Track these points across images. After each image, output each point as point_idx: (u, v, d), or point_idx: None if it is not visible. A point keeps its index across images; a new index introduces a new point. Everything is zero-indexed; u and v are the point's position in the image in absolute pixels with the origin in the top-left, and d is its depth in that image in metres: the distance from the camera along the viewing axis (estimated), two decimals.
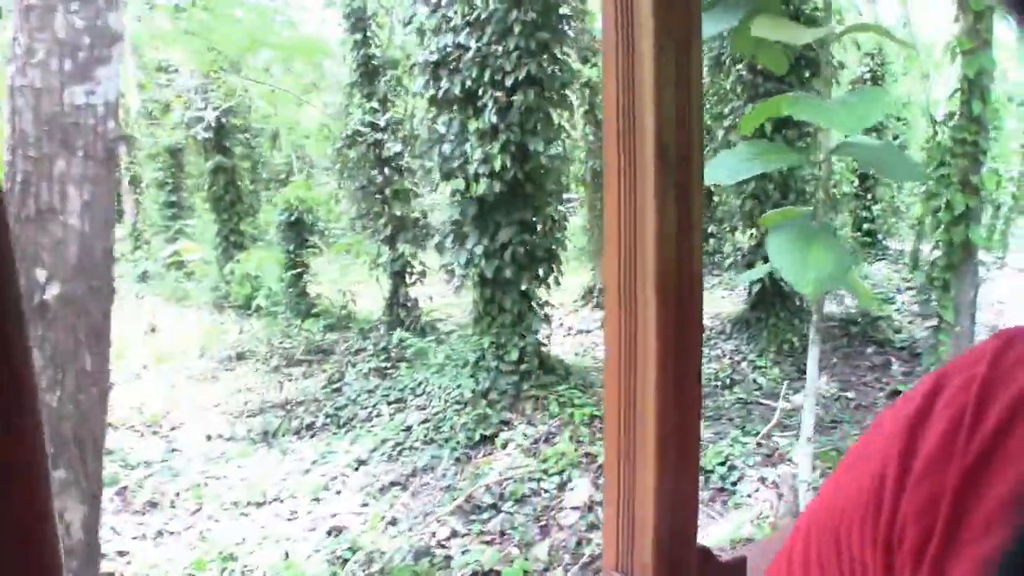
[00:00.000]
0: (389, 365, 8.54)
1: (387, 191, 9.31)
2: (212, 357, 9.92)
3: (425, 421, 6.90)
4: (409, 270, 9.47)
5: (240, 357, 9.80)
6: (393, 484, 6.10)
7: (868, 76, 12.38)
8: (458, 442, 6.44)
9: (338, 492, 6.14)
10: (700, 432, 0.81)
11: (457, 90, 6.79)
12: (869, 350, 8.27)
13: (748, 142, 3.86)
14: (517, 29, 6.46)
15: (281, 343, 9.93)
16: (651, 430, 0.81)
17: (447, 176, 7.04)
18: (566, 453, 6.05)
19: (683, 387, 0.79)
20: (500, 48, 6.55)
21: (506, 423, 6.65)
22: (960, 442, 0.40)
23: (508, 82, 6.57)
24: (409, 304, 9.61)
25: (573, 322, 10.36)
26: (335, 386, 8.36)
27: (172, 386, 8.86)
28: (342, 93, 10.90)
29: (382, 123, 9.20)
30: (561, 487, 5.75)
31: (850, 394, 7.21)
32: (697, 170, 0.76)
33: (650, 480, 0.82)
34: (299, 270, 10.56)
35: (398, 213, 9.34)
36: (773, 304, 8.32)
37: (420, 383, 7.67)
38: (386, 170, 9.32)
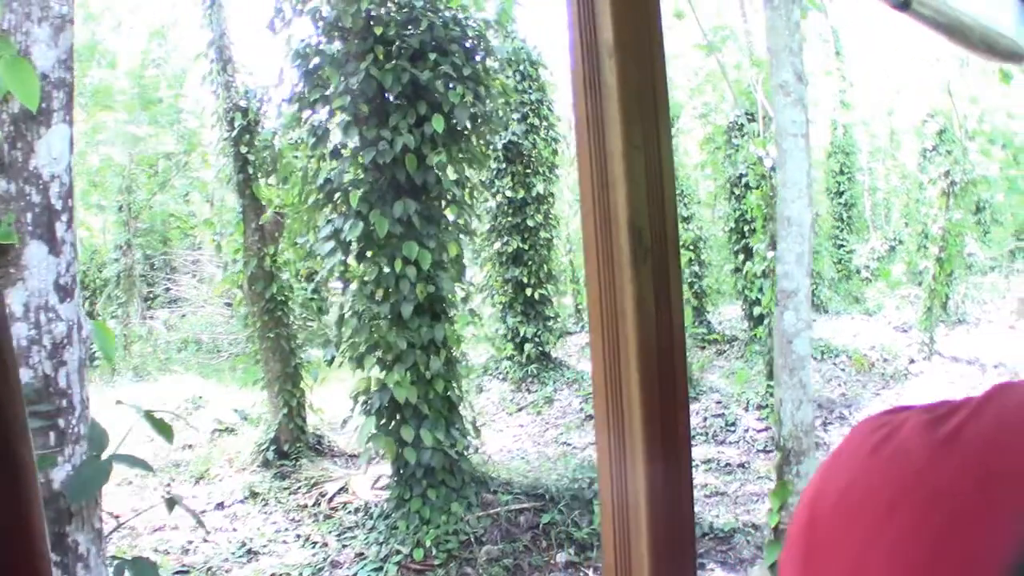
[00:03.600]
0: None
1: None
2: None
3: None
4: None
5: None
6: None
7: None
8: None
9: None
10: (693, 507, 0.80)
11: None
12: None
13: None
14: None
15: None
16: (643, 521, 0.77)
17: None
18: None
19: (672, 463, 0.78)
20: None
21: None
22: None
23: None
24: None
25: None
26: None
27: None
28: None
29: None
30: None
31: None
32: (673, 248, 0.80)
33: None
34: None
35: None
36: None
37: None
38: None
